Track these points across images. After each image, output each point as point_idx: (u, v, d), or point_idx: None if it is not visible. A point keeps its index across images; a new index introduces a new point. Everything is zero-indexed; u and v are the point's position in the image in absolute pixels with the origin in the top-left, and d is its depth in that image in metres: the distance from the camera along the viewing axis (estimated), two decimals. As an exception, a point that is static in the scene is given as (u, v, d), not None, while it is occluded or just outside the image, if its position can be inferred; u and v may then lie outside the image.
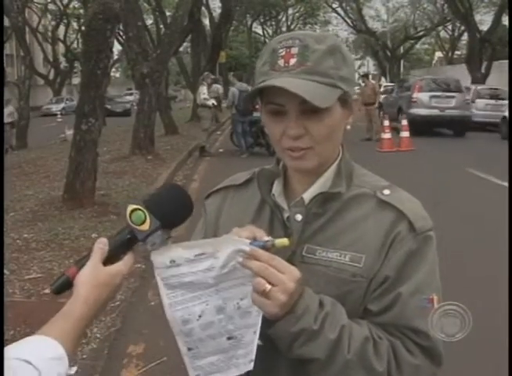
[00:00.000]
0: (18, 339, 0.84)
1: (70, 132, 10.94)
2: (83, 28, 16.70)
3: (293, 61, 0.94)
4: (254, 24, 46.65)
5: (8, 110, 15.82)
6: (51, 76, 38.91)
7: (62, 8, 35.20)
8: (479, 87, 19.43)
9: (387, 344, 0.94)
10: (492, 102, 17.94)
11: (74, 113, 7.36)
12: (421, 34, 44.40)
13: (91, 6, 7.33)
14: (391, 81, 33.41)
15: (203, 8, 26.65)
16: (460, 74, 27.48)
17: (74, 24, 38.65)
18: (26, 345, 0.82)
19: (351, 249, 0.97)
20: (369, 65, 60.53)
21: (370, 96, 15.21)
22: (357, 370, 0.92)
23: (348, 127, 1.03)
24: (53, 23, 39.18)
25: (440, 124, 16.15)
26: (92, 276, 0.91)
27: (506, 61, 21.34)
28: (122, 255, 0.95)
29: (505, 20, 25.79)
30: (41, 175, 9.61)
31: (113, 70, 46.73)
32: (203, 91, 12.73)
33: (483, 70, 24.69)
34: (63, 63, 40.54)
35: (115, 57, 32.56)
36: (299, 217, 1.01)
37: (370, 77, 17.65)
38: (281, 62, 0.95)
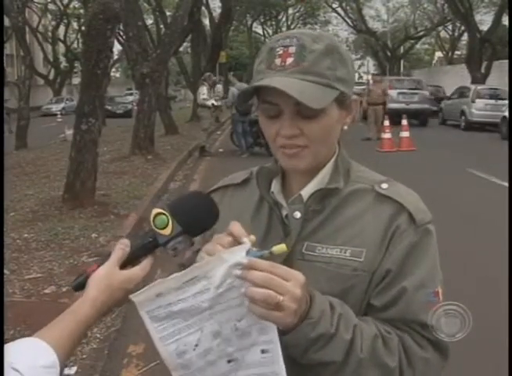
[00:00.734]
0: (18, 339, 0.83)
1: (70, 132, 10.91)
2: (83, 28, 16.74)
3: (290, 60, 0.93)
4: (254, 24, 46.61)
5: None
6: (51, 76, 38.92)
7: (62, 8, 35.21)
8: (479, 87, 19.44)
9: (397, 339, 0.94)
10: (492, 102, 17.95)
11: (74, 113, 7.36)
12: (421, 34, 44.36)
13: (92, 6, 7.33)
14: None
15: (203, 8, 26.61)
16: (460, 74, 27.58)
17: (74, 24, 38.65)
18: (18, 349, 0.80)
19: (351, 244, 0.97)
20: (369, 65, 60.55)
21: (380, 97, 15.12)
22: (370, 368, 0.91)
23: (345, 127, 1.02)
24: (53, 23, 39.17)
25: (407, 115, 16.46)
26: (105, 278, 0.90)
27: (506, 61, 21.34)
28: (142, 258, 0.94)
29: (505, 20, 25.78)
30: (41, 175, 9.60)
31: (113, 70, 46.68)
32: (203, 91, 12.74)
33: (483, 70, 24.67)
34: (63, 63, 40.54)
35: (115, 57, 32.43)
36: (298, 214, 1.00)
37: (380, 78, 17.38)
38: (278, 61, 0.94)
